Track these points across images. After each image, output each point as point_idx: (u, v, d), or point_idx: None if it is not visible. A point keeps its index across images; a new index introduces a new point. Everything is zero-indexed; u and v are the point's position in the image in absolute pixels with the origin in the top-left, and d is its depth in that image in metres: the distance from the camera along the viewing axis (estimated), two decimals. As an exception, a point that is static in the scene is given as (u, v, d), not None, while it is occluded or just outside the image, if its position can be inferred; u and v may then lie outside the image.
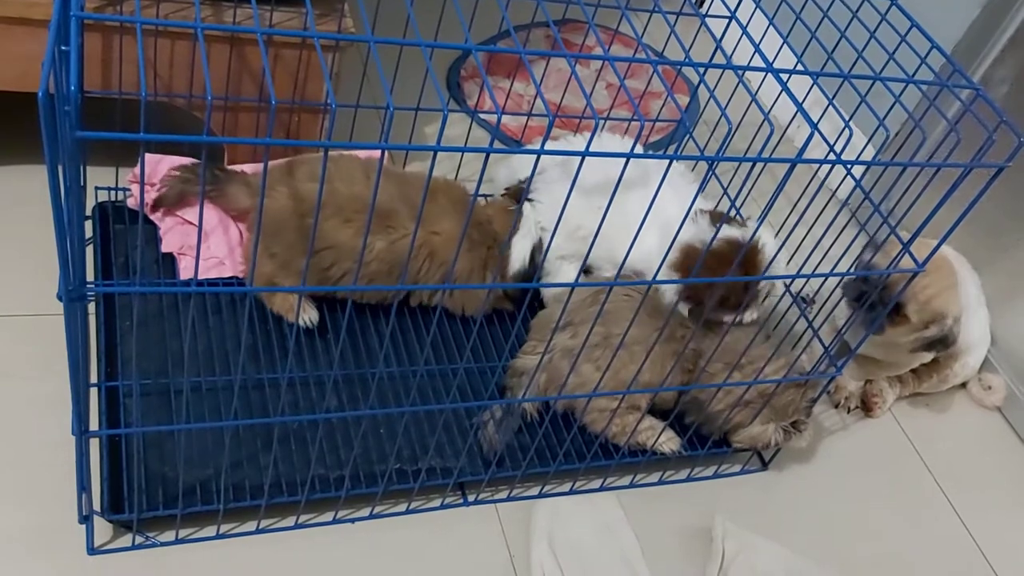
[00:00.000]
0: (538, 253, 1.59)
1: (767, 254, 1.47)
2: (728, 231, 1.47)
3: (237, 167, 1.63)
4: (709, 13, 1.62)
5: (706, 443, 1.56)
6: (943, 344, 1.65)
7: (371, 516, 1.39)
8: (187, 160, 1.64)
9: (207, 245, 1.60)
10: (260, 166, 1.57)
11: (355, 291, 1.51)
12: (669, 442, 1.52)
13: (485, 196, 1.87)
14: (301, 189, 1.47)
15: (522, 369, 1.49)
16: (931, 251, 1.36)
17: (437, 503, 1.43)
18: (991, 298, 1.87)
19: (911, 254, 1.36)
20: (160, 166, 1.63)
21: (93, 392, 1.35)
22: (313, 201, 1.45)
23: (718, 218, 1.52)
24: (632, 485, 1.54)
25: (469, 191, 1.61)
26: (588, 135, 1.60)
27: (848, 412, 1.81)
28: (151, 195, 1.61)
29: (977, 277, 1.84)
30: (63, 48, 0.91)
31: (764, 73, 1.17)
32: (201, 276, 1.56)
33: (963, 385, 1.94)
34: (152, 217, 1.62)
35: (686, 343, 1.44)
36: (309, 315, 1.51)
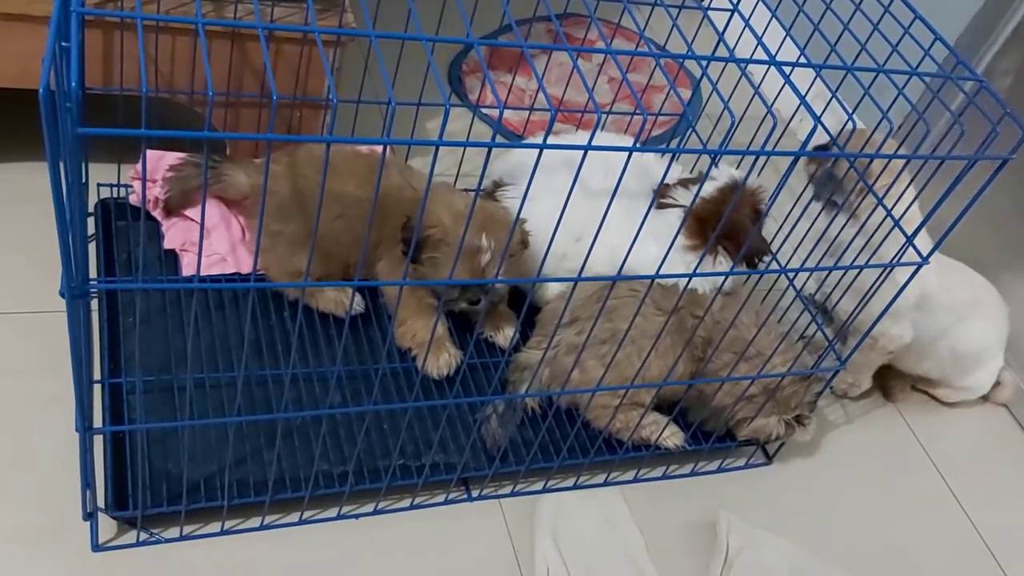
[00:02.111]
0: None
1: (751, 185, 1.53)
2: (711, 183, 1.52)
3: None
4: (711, 6, 1.61)
5: (710, 438, 1.56)
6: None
7: (375, 512, 1.39)
8: (180, 155, 1.64)
9: (209, 241, 1.59)
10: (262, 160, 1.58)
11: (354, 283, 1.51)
12: (672, 437, 1.52)
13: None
14: (296, 160, 1.50)
15: (525, 364, 1.49)
16: (936, 242, 1.36)
17: (441, 498, 1.43)
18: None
19: (915, 247, 1.36)
20: (162, 162, 1.63)
21: (96, 389, 1.35)
22: (305, 164, 1.50)
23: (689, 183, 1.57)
24: (636, 480, 1.54)
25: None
26: (588, 133, 1.59)
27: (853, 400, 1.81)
28: (153, 190, 1.60)
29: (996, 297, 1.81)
30: (64, 44, 0.91)
31: (767, 66, 1.17)
32: (203, 272, 1.56)
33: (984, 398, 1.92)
34: (154, 214, 1.62)
35: (693, 330, 1.44)
36: (351, 303, 1.51)
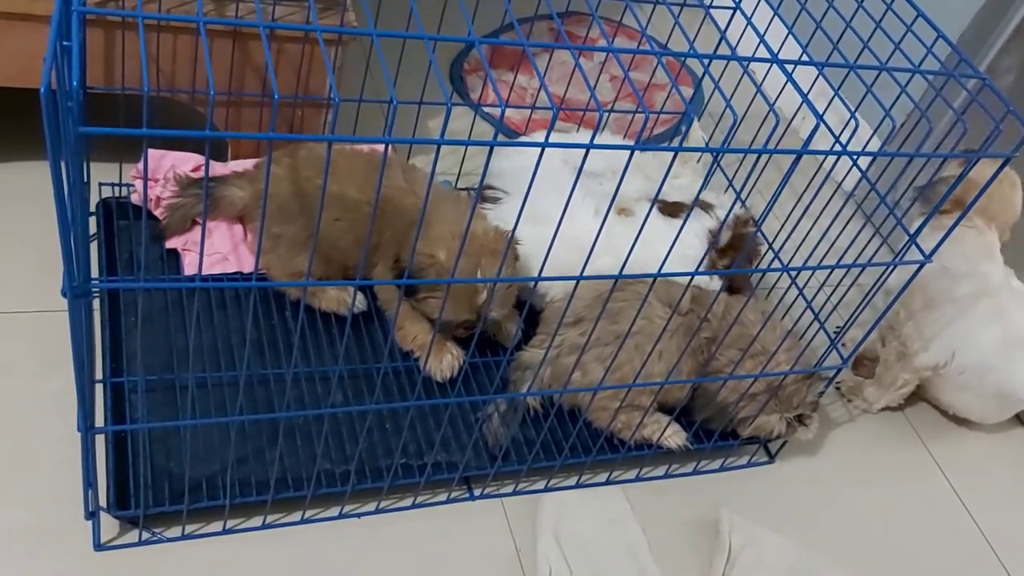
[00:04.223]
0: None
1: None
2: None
3: (227, 170, 1.63)
4: (713, 4, 1.61)
5: (712, 436, 1.55)
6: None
7: (377, 511, 1.39)
8: (182, 156, 1.64)
9: (211, 241, 1.59)
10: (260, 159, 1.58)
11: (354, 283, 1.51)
12: (674, 436, 1.52)
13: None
14: (297, 161, 1.50)
15: (527, 363, 1.49)
16: (940, 240, 1.35)
17: (443, 497, 1.43)
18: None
19: (917, 245, 1.35)
20: (163, 162, 1.63)
21: (98, 388, 1.35)
22: (305, 166, 1.50)
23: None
24: (638, 479, 1.54)
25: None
26: (590, 132, 1.62)
27: (849, 402, 1.80)
28: (155, 189, 1.60)
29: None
30: (65, 43, 0.91)
31: (769, 64, 1.17)
32: (205, 271, 1.56)
33: None
34: (156, 213, 1.62)
35: (695, 330, 1.43)
36: (353, 301, 1.50)
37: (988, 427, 1.83)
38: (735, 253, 1.61)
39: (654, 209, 1.63)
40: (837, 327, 1.61)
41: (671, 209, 1.64)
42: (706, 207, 1.68)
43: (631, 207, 1.65)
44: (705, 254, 1.46)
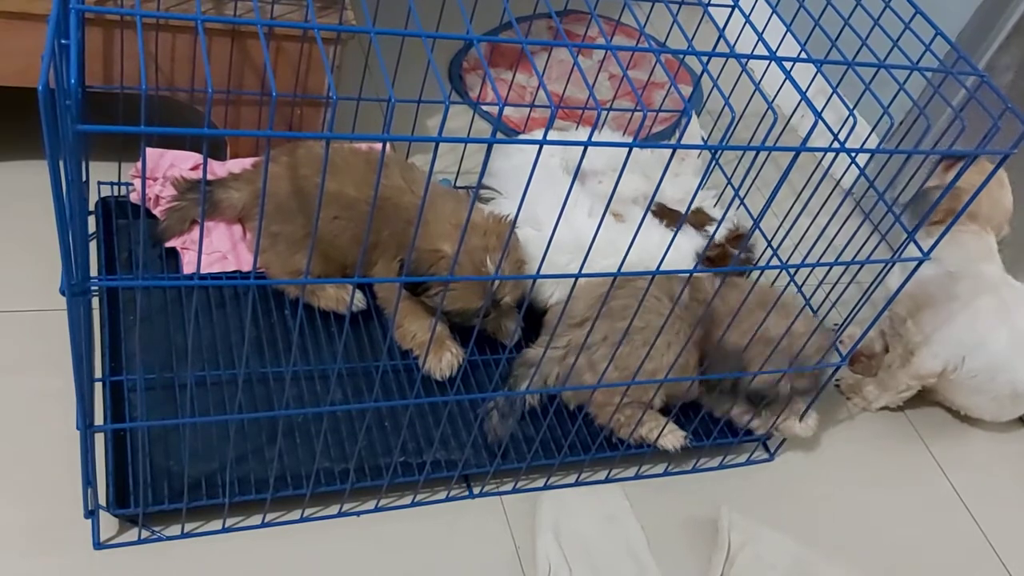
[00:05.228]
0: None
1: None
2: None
3: (224, 169, 1.63)
4: (711, 2, 1.61)
5: (711, 434, 1.56)
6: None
7: (376, 509, 1.39)
8: (181, 154, 1.64)
9: (210, 239, 1.59)
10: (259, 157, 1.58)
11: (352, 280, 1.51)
12: (672, 436, 1.51)
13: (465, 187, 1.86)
14: (295, 159, 1.50)
15: (532, 361, 1.48)
16: (938, 237, 1.35)
17: (442, 495, 1.43)
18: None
19: (916, 242, 1.36)
20: (162, 160, 1.63)
21: (98, 387, 1.35)
22: (304, 164, 1.50)
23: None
24: (637, 476, 1.54)
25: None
26: (588, 129, 1.63)
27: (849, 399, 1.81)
28: (154, 188, 1.61)
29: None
30: (63, 42, 0.91)
31: (767, 61, 1.17)
32: (204, 270, 1.56)
33: None
34: (155, 212, 1.62)
35: (696, 323, 1.43)
36: (352, 299, 1.51)
37: (989, 426, 1.83)
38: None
39: (649, 215, 1.65)
40: (835, 324, 1.61)
41: (670, 218, 1.64)
42: (702, 223, 1.67)
43: (623, 212, 1.65)
44: (696, 265, 1.46)
